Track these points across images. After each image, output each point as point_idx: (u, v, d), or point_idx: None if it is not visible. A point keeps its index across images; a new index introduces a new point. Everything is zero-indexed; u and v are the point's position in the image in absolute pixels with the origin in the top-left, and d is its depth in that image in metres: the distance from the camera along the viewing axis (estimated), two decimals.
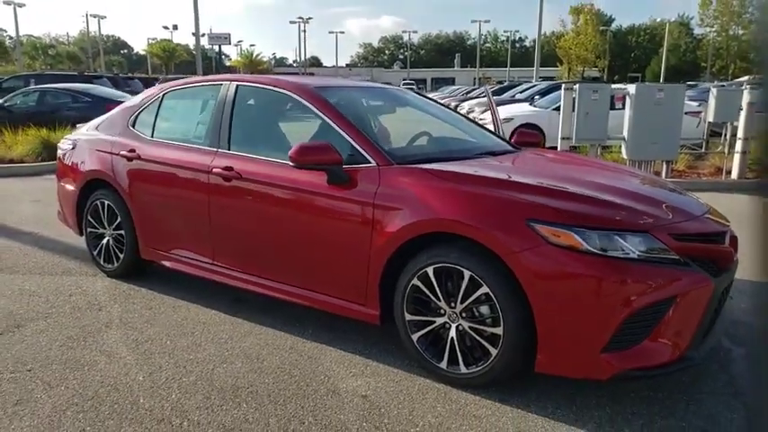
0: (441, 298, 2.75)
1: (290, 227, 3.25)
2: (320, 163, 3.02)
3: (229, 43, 54.19)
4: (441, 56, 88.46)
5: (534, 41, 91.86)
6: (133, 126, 4.25)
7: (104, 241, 4.35)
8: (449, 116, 4.36)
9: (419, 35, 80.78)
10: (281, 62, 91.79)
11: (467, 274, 2.62)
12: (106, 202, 4.26)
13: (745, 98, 8.97)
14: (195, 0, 30.36)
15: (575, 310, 2.42)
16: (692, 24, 67.20)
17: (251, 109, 3.78)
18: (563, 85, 9.47)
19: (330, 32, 65.37)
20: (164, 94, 4.21)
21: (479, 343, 2.66)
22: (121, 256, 4.25)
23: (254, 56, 59.64)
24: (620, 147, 9.21)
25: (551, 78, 47.67)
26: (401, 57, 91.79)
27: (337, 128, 3.22)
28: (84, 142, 4.50)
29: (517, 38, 71.44)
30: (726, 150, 9.61)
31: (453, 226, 2.64)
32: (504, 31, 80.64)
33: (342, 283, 3.10)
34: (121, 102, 13.47)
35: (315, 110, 3.36)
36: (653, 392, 2.71)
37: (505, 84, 28.31)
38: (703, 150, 10.10)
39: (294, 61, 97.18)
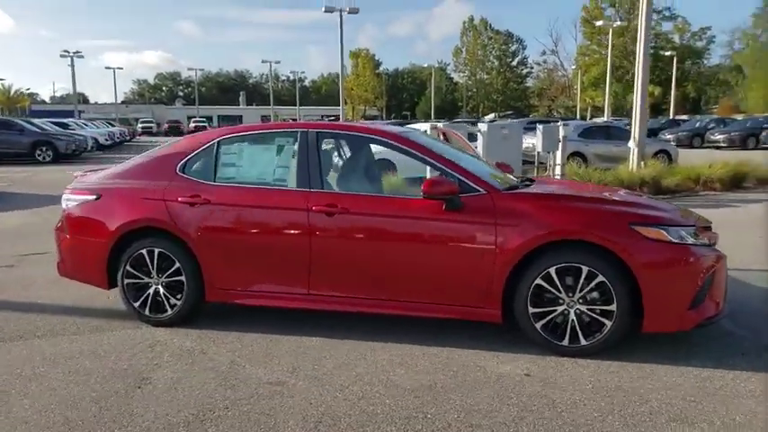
0: (561, 290, 3.62)
1: (409, 250, 3.80)
2: (445, 194, 3.68)
3: None
4: (222, 93, 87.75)
5: (313, 81, 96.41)
6: (183, 172, 4.27)
7: (151, 290, 4.23)
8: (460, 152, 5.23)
9: (200, 73, 78.73)
10: (32, 98, 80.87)
11: (584, 269, 3.55)
12: (156, 250, 4.19)
13: (561, 133, 11.56)
14: None
15: (669, 282, 3.52)
16: (448, 70, 77.78)
17: (339, 152, 4.21)
18: (429, 125, 10.98)
19: (107, 68, 59.92)
20: (218, 142, 4.32)
21: (595, 320, 3.60)
22: (177, 302, 4.20)
23: (11, 92, 52.15)
24: None
25: (337, 117, 50.93)
26: (181, 94, 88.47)
27: (442, 165, 3.90)
28: (117, 191, 4.33)
29: (299, 78, 74.57)
30: (551, 173, 12.08)
31: (580, 234, 3.55)
32: (291, 71, 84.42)
33: (465, 292, 3.76)
34: None
35: (412, 151, 3.99)
36: (708, 341, 3.88)
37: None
38: (536, 175, 12.50)
39: (51, 97, 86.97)
